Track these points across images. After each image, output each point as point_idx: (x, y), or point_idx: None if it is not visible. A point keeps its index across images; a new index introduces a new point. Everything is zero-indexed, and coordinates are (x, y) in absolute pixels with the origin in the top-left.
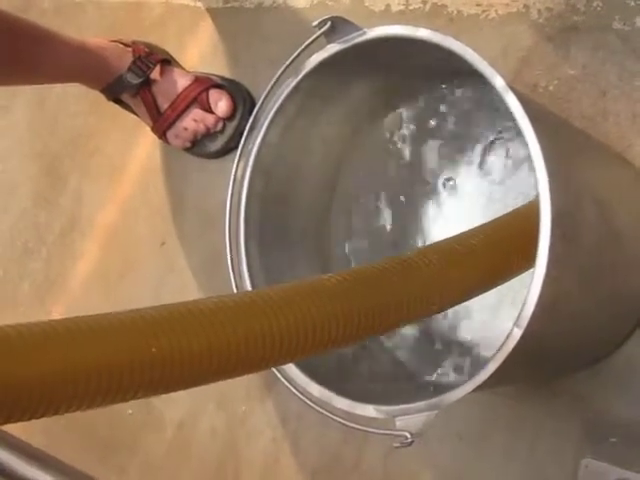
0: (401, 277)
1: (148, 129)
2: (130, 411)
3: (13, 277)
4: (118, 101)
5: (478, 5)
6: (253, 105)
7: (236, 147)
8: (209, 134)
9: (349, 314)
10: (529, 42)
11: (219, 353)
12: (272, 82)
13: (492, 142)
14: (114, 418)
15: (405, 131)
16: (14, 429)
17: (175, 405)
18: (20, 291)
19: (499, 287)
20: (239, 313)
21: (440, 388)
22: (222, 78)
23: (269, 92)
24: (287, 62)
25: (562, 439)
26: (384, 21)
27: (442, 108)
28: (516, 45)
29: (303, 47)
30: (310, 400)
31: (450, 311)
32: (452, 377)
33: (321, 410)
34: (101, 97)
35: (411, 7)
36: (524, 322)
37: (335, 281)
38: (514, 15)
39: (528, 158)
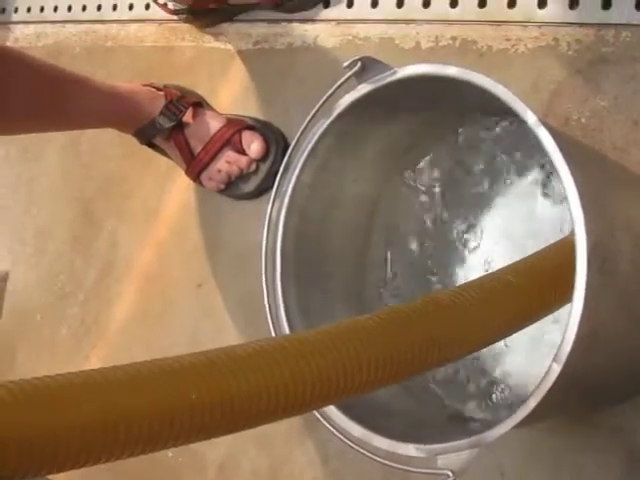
0: (437, 316)
1: (182, 172)
2: (170, 454)
3: (51, 321)
4: (151, 145)
5: (507, 40)
6: (286, 146)
7: (270, 188)
8: (242, 175)
9: (388, 355)
10: (559, 75)
11: (259, 398)
12: (305, 123)
13: (531, 180)
14: (155, 461)
15: (439, 170)
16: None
17: (216, 446)
18: (58, 335)
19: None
20: (278, 357)
21: (481, 425)
22: (254, 119)
23: (302, 133)
24: (319, 103)
25: (604, 472)
26: (414, 59)
27: (477, 146)
28: (546, 78)
29: (334, 88)
30: (350, 440)
31: (489, 348)
32: (492, 413)
33: (362, 450)
34: (134, 141)
35: (441, 44)
36: (563, 357)
37: (373, 322)
38: (543, 49)
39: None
